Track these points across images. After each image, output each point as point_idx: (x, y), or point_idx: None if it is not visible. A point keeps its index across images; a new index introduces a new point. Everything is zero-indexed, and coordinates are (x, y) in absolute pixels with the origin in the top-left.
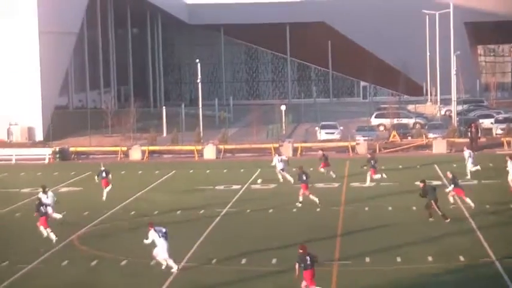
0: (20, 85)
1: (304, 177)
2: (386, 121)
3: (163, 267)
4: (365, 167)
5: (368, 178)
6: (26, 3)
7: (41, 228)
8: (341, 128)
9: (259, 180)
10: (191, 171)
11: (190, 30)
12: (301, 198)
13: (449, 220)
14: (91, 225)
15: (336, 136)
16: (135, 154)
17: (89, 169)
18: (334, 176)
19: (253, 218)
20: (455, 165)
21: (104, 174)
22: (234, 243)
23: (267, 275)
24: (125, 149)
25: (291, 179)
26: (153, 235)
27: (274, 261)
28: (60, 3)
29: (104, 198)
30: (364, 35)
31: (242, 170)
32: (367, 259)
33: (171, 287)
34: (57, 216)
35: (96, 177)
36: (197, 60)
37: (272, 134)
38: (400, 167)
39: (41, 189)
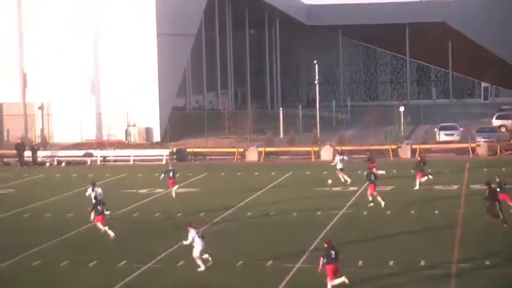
0: (138, 87)
1: (373, 178)
2: (508, 122)
3: (201, 268)
4: (412, 171)
5: (417, 182)
6: (145, 6)
7: (99, 224)
8: (461, 129)
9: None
10: (308, 172)
11: (308, 32)
12: (370, 198)
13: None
14: (206, 227)
15: (456, 137)
16: (252, 155)
17: (206, 170)
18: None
19: (368, 219)
20: None
21: (171, 173)
22: (348, 245)
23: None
24: (241, 150)
25: (348, 180)
26: (192, 235)
27: (391, 263)
28: (178, 5)
29: (174, 196)
30: (486, 35)
31: (359, 172)
32: None
33: (287, 287)
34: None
35: (162, 175)
36: (315, 62)
37: (390, 136)
38: None
39: (90, 186)
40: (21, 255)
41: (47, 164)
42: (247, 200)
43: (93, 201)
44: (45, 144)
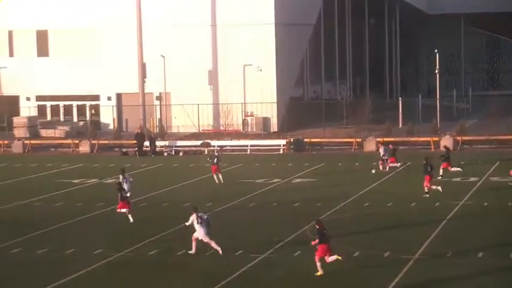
0: (256, 77)
1: (429, 169)
2: None
3: (191, 251)
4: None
5: (440, 171)
6: None
7: (121, 210)
8: None
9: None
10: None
11: (429, 21)
12: (426, 189)
13: None
14: (324, 216)
15: None
16: (370, 145)
17: (323, 160)
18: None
19: (489, 211)
20: None
21: (215, 160)
22: (469, 236)
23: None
24: (359, 140)
25: (387, 168)
26: (192, 219)
27: None
28: None
29: (217, 182)
30: None
31: (480, 162)
32: None
33: (405, 278)
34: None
35: (208, 159)
36: (435, 51)
37: None
38: None
39: (120, 173)
40: (138, 244)
41: (165, 154)
42: (364, 191)
43: (125, 188)
44: (163, 135)
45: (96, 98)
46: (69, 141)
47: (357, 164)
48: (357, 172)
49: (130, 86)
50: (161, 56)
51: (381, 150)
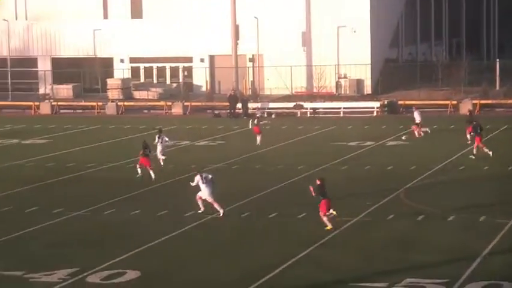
0: (350, 38)
1: (479, 130)
2: None
3: (200, 211)
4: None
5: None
6: None
7: (140, 166)
8: None
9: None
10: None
11: None
12: (475, 151)
13: None
14: (418, 180)
15: None
16: (466, 108)
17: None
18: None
19: None
20: None
21: (255, 121)
22: None
23: None
24: (454, 102)
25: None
26: (197, 179)
27: None
28: None
29: (258, 143)
30: None
31: None
32: None
33: (501, 242)
34: (162, 157)
35: (250, 121)
36: None
37: None
38: None
39: (157, 133)
40: (231, 206)
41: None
42: (459, 154)
43: (158, 148)
44: (255, 97)
45: (189, 60)
46: (162, 103)
47: (452, 126)
48: (452, 135)
49: (223, 48)
50: (254, 17)
51: (416, 115)
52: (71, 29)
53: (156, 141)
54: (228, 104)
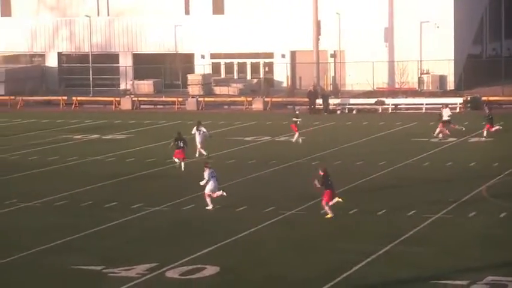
0: (433, 33)
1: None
2: None
3: (209, 207)
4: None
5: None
6: None
7: (175, 159)
8: None
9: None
10: None
11: None
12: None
13: None
14: (501, 177)
15: None
16: None
17: (502, 119)
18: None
19: None
20: None
21: (293, 119)
22: None
23: None
24: None
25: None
26: (207, 175)
27: None
28: None
29: (294, 141)
30: None
31: None
32: None
33: None
34: (203, 152)
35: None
36: None
37: None
38: None
39: (196, 125)
40: (312, 201)
41: (338, 112)
42: None
43: (197, 140)
44: (336, 92)
45: (270, 55)
46: (242, 98)
47: None
48: None
49: (304, 44)
50: (336, 13)
51: (445, 112)
52: (152, 24)
53: (194, 132)
54: (307, 99)
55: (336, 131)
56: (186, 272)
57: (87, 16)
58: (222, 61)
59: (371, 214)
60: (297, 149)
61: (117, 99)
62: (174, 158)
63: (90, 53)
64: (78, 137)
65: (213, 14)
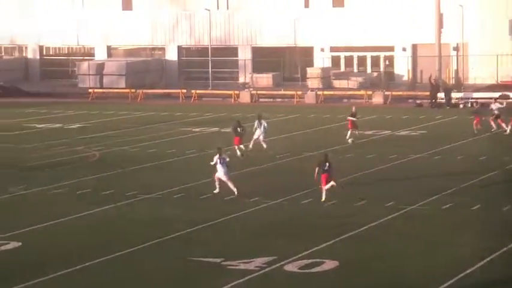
0: None
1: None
2: None
3: (216, 190)
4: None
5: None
6: None
7: (236, 147)
8: None
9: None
10: None
11: None
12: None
13: None
14: None
15: None
16: None
17: None
18: None
19: None
20: None
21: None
22: None
23: None
24: None
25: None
26: (215, 159)
27: None
28: None
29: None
30: None
31: None
32: None
33: None
34: (264, 145)
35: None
36: None
37: None
38: None
39: (256, 118)
40: (434, 196)
41: (461, 106)
42: None
43: (258, 131)
44: (459, 86)
45: (391, 48)
46: (362, 92)
47: None
48: None
49: (426, 37)
50: (459, 5)
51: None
52: (272, 18)
53: (256, 126)
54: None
55: (458, 125)
56: (304, 266)
57: (206, 10)
58: (342, 54)
59: (495, 210)
60: (418, 143)
61: (236, 92)
62: (236, 148)
63: (209, 46)
64: (197, 130)
65: (333, 6)
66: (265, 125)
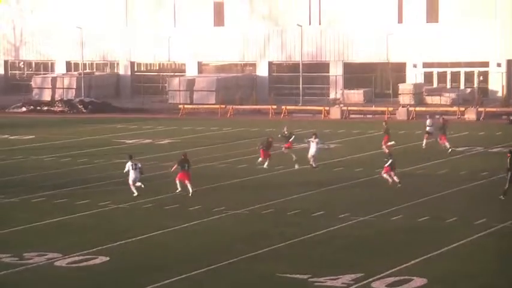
0: None
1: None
2: None
3: (134, 194)
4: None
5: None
6: None
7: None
8: None
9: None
10: None
11: None
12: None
13: None
14: None
15: None
16: None
17: None
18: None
19: None
20: None
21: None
22: None
23: None
24: None
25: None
26: (128, 166)
27: None
28: None
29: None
30: None
31: None
32: None
33: None
34: (313, 164)
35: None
36: None
37: None
38: None
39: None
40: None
41: None
42: None
43: (312, 148)
44: None
45: (485, 64)
46: (454, 108)
47: None
48: None
49: None
50: None
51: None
52: (364, 33)
53: (309, 140)
54: None
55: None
56: (392, 283)
57: (298, 25)
58: (435, 70)
59: None
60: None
61: (327, 108)
62: (261, 160)
63: (300, 62)
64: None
65: (427, 22)
66: (321, 142)
